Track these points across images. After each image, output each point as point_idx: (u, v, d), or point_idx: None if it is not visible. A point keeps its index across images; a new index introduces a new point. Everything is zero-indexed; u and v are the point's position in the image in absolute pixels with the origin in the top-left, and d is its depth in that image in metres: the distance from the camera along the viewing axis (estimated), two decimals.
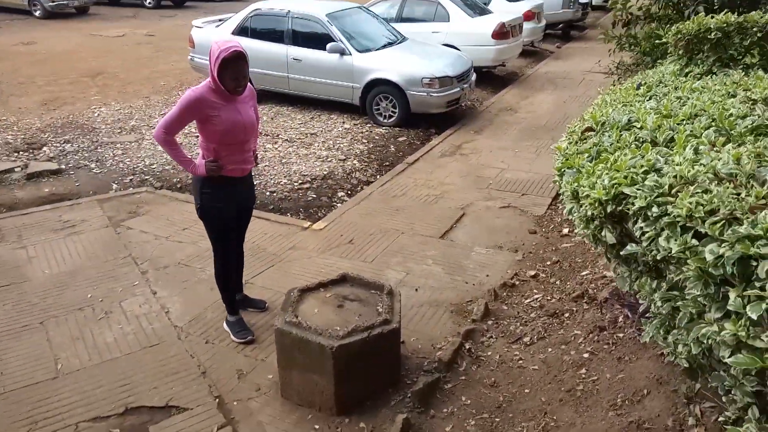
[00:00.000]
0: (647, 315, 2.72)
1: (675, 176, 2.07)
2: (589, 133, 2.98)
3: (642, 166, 2.25)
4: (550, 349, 3.40)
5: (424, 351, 3.48)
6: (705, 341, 1.76)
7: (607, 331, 3.35)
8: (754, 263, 1.62)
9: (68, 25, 16.61)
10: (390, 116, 8.09)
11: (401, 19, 10.71)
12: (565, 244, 4.67)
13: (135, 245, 4.73)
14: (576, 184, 2.42)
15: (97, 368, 3.35)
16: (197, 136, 3.48)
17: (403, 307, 3.56)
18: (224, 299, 3.68)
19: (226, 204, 3.42)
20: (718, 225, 1.75)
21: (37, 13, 17.71)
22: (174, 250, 4.65)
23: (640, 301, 2.71)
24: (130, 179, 6.21)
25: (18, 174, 6.22)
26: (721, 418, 2.05)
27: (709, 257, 1.70)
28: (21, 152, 6.86)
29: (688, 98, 3.13)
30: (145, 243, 4.76)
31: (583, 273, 4.17)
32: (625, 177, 2.19)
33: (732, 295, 1.64)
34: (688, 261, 1.77)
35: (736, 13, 4.14)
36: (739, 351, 1.64)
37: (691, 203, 1.86)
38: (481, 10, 11.04)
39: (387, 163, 6.84)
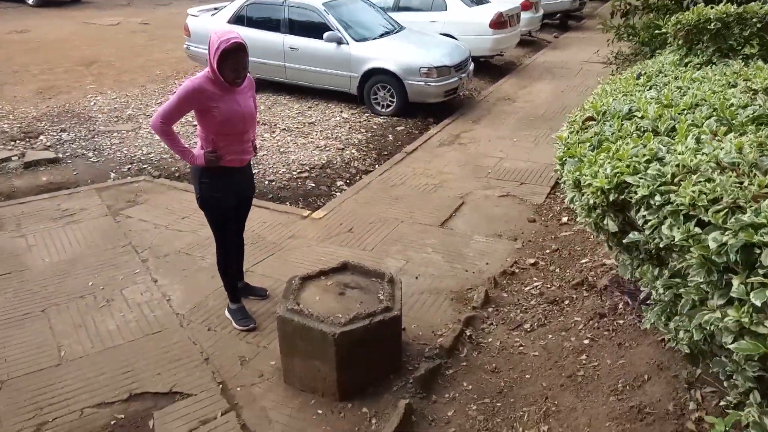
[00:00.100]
0: (648, 302, 2.76)
1: (677, 165, 2.10)
2: (590, 123, 2.99)
3: (644, 155, 2.27)
4: (550, 336, 3.44)
5: (425, 338, 3.51)
6: (707, 327, 1.79)
7: (607, 318, 3.39)
8: (758, 251, 1.65)
9: (61, 13, 16.45)
10: (388, 106, 8.08)
11: (398, 8, 10.67)
12: (564, 233, 4.71)
13: (135, 234, 4.73)
14: (578, 173, 2.44)
15: (100, 355, 3.37)
16: (194, 125, 3.47)
17: (404, 295, 3.58)
18: (226, 287, 3.70)
19: (225, 194, 3.42)
20: (722, 213, 1.77)
21: (30, 1, 17.51)
22: (173, 238, 4.66)
23: (642, 288, 2.75)
24: (128, 168, 6.20)
25: (15, 163, 6.20)
26: (722, 403, 2.09)
27: (712, 245, 1.72)
28: (17, 141, 6.82)
29: (689, 88, 3.15)
30: (144, 231, 4.77)
31: (583, 261, 4.21)
32: (628, 166, 2.21)
33: (735, 282, 1.67)
34: (692, 249, 1.80)
35: (735, 4, 4.16)
36: (742, 337, 1.67)
37: (694, 192, 1.88)
38: (478, 0, 11.01)
39: (385, 153, 6.84)
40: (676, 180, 2.03)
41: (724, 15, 4.02)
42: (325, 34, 8.05)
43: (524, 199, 5.40)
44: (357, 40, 8.10)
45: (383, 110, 8.10)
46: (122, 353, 3.39)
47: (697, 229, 1.83)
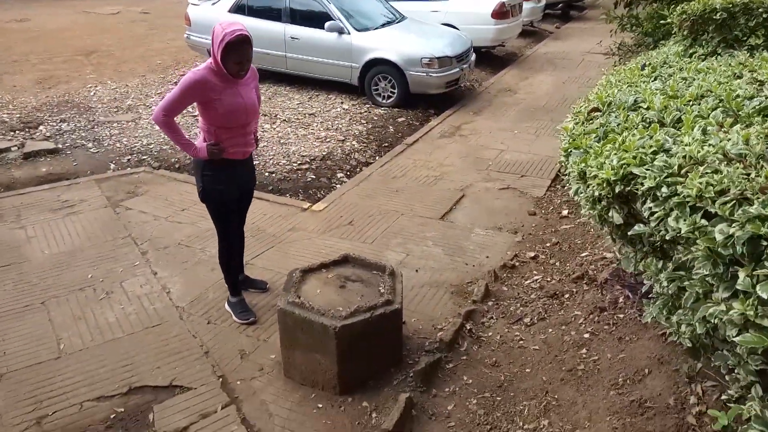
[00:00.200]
0: (649, 296, 2.73)
1: (684, 156, 2.07)
2: (596, 114, 2.96)
3: (651, 146, 2.24)
4: (550, 330, 3.42)
5: (426, 331, 3.49)
6: (711, 320, 1.77)
7: (608, 312, 3.37)
8: (764, 243, 1.62)
9: (61, 2, 16.36)
10: (389, 96, 8.03)
11: None
12: (564, 226, 4.68)
13: (134, 225, 4.71)
14: (583, 164, 2.41)
15: (100, 348, 3.35)
16: (195, 116, 3.44)
17: (404, 288, 3.56)
18: (227, 280, 3.67)
19: (228, 186, 3.38)
20: (729, 205, 1.75)
21: None
22: (173, 230, 4.63)
23: (644, 282, 2.72)
24: (128, 159, 6.17)
25: (15, 153, 6.17)
26: (723, 397, 2.07)
27: (718, 237, 1.70)
28: (17, 131, 6.79)
29: (694, 79, 3.12)
30: (144, 223, 4.74)
31: (583, 254, 4.18)
32: (634, 157, 2.18)
33: (741, 274, 1.64)
34: (698, 241, 1.77)
35: None
36: (746, 330, 1.65)
37: (701, 183, 1.86)
38: None
39: (386, 144, 6.80)
40: (682, 171, 2.01)
41: (730, 5, 3.97)
42: (327, 24, 7.99)
43: (525, 192, 5.37)
44: (358, 30, 8.04)
45: (384, 101, 8.06)
46: (122, 346, 3.37)
47: (704, 221, 1.80)
